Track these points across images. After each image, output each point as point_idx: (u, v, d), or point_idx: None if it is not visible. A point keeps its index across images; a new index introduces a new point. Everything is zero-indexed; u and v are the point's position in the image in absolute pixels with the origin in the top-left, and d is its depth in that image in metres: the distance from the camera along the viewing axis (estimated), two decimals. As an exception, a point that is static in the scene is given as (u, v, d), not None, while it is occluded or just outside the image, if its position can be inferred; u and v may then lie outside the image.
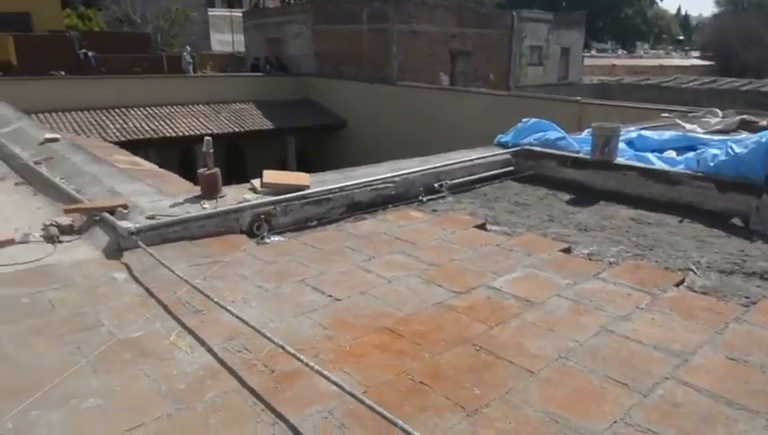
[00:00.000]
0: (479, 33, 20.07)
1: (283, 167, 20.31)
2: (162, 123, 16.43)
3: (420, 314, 2.92)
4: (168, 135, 15.86)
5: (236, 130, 17.19)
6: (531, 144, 6.26)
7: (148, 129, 15.89)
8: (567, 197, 5.34)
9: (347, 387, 2.06)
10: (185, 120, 16.90)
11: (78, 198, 4.23)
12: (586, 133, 6.50)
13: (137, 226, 3.58)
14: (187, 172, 8.11)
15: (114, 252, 3.53)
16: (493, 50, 20.71)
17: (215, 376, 2.34)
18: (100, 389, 2.21)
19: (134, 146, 13.67)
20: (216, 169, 4.22)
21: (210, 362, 2.44)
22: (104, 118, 15.92)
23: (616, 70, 39.64)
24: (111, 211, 3.78)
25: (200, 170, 4.22)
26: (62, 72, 17.95)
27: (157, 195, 4.26)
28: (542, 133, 6.32)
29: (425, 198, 5.19)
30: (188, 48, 22.71)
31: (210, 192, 4.16)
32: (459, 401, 2.18)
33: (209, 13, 37.84)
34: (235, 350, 2.54)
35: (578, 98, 13.15)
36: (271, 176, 4.59)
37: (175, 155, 17.27)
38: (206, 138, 4.15)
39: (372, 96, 18.09)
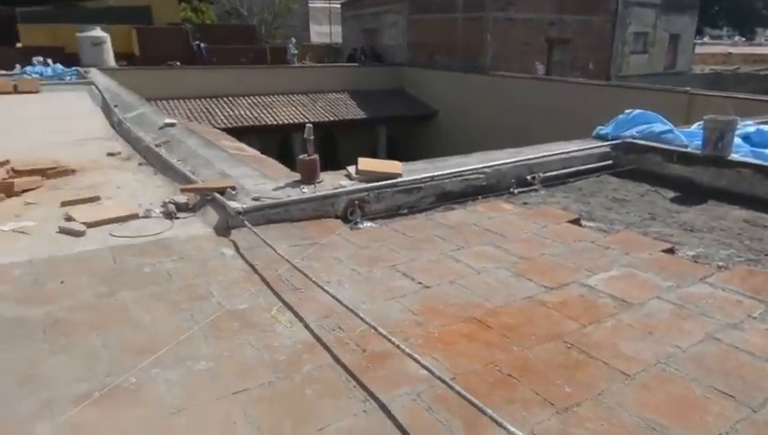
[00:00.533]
0: (579, 19, 19.07)
1: (373, 155, 20.63)
2: (264, 111, 17.20)
3: (509, 306, 2.88)
4: (268, 123, 16.58)
5: (331, 119, 17.64)
6: (633, 137, 5.91)
7: (251, 116, 16.71)
8: (671, 194, 4.99)
9: (437, 372, 2.08)
10: (284, 109, 17.58)
11: (193, 179, 4.55)
12: (696, 126, 6.02)
13: (244, 206, 3.80)
14: (286, 158, 8.46)
15: (223, 229, 3.77)
16: (593, 37, 19.62)
17: (311, 350, 2.45)
18: (210, 353, 2.39)
19: (238, 132, 14.45)
20: (316, 156, 4.38)
21: (307, 338, 2.55)
22: (213, 105, 16.93)
23: (731, 58, 36.25)
24: (222, 192, 4.03)
25: (301, 156, 4.39)
26: (178, 63, 19.27)
27: (261, 178, 4.49)
28: (646, 126, 5.94)
29: (516, 191, 5.07)
30: (293, 40, 23.52)
31: (309, 177, 4.33)
32: (549, 397, 2.13)
33: (309, 5, 38.93)
34: (330, 328, 2.64)
35: (687, 89, 12.17)
36: (365, 163, 4.68)
37: (274, 142, 18.04)
38: (308, 125, 4.31)
39: (464, 86, 17.81)
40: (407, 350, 2.20)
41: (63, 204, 4.18)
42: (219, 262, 3.37)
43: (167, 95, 16.29)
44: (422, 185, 4.64)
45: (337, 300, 2.69)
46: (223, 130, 14.68)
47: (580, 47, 19.42)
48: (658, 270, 3.29)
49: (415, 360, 2.15)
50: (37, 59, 16.14)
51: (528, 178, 5.24)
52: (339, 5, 31.47)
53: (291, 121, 16.92)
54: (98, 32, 17.50)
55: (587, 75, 19.40)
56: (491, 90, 16.82)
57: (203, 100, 17.07)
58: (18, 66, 15.58)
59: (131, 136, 6.83)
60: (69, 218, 3.84)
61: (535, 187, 5.18)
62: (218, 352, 2.41)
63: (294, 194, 4.16)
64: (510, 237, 3.86)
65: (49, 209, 4.14)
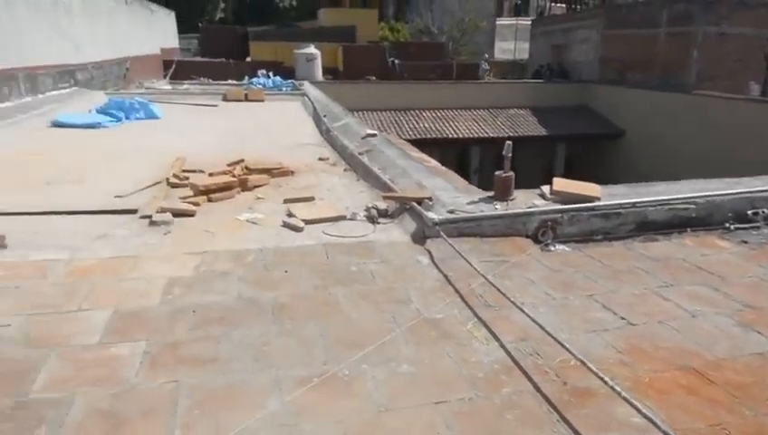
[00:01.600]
0: (811, 34, 15.99)
1: (549, 173, 19.71)
2: (446, 125, 17.49)
3: (735, 361, 2.45)
4: (449, 136, 16.80)
5: (510, 134, 17.23)
6: None
7: (434, 129, 17.12)
8: None
9: (660, 424, 1.84)
10: (465, 123, 17.67)
11: (392, 187, 4.75)
12: None
13: (440, 218, 3.84)
14: (463, 171, 8.43)
15: (419, 238, 3.86)
16: (831, 54, 16.27)
17: (509, 373, 2.35)
18: (411, 358, 2.43)
19: (421, 144, 14.90)
20: (512, 174, 4.26)
21: (504, 358, 2.46)
22: (401, 117, 17.70)
23: None
24: (419, 202, 4.13)
25: (497, 173, 4.31)
26: (373, 77, 20.55)
27: (455, 192, 4.51)
28: None
29: (732, 226, 4.36)
30: (486, 56, 23.64)
31: (503, 194, 4.22)
32: (797, 481, 1.75)
33: (497, 22, 38.69)
34: (527, 352, 2.51)
35: None
36: (561, 184, 4.43)
37: (453, 154, 18.25)
38: (507, 142, 4.21)
39: (659, 105, 16.08)
40: (622, 393, 1.98)
41: (286, 201, 4.65)
42: (416, 269, 3.44)
43: (362, 107, 17.43)
44: (622, 211, 4.24)
45: (539, 325, 2.55)
46: (408, 141, 15.37)
47: (812, 65, 16.26)
48: None
49: (632, 405, 1.93)
50: (261, 71, 18.50)
51: (749, 213, 4.48)
52: (527, 22, 30.76)
53: (470, 135, 16.94)
54: (311, 49, 19.46)
55: (816, 97, 16.18)
56: (691, 110, 14.94)
57: (392, 112, 17.93)
58: (246, 78, 18.04)
59: (337, 143, 7.40)
60: (290, 214, 4.26)
61: (758, 224, 4.41)
62: (419, 357, 2.44)
63: (488, 210, 4.09)
64: (730, 280, 3.32)
65: (274, 204, 4.65)
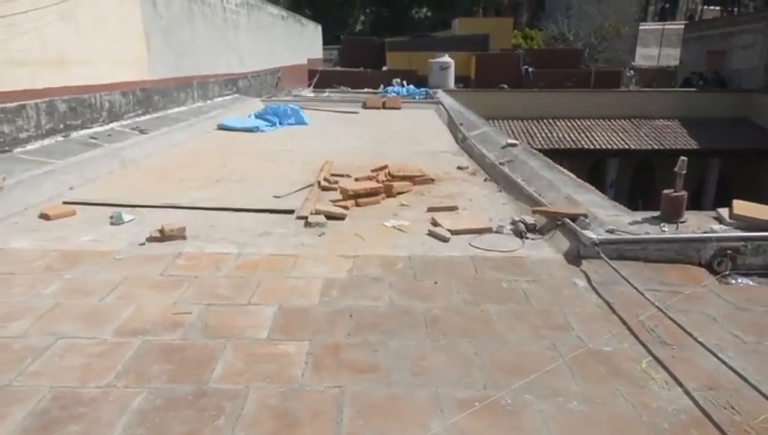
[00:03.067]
0: None
1: (698, 190, 17.53)
2: (581, 135, 16.38)
3: None
4: (585, 147, 15.69)
5: (655, 147, 15.65)
6: None
7: (568, 139, 16.11)
8: None
9: None
10: (603, 134, 16.40)
11: (539, 201, 4.44)
12: None
13: (599, 237, 3.48)
14: (597, 185, 7.64)
15: (573, 258, 3.53)
16: None
17: (700, 428, 1.99)
18: (581, 394, 2.17)
19: (552, 154, 14.12)
20: (684, 193, 3.74)
21: (691, 408, 2.10)
22: (533, 126, 16.92)
23: None
24: (573, 218, 3.79)
25: (666, 191, 3.82)
26: (505, 86, 19.92)
27: (613, 209, 4.08)
28: None
29: None
30: (632, 63, 21.88)
31: (673, 215, 3.72)
32: None
33: (640, 27, 35.55)
34: (719, 404, 2.12)
35: None
36: (743, 207, 3.80)
37: (585, 165, 17.05)
38: (682, 158, 3.70)
39: None
40: None
41: (429, 209, 4.56)
42: (572, 292, 3.13)
43: (494, 115, 16.93)
44: (824, 243, 3.52)
45: (737, 374, 2.14)
46: (540, 150, 14.60)
47: None
48: None
49: None
50: (395, 80, 18.84)
51: None
52: (675, 27, 27.85)
53: (608, 147, 15.68)
54: (445, 58, 19.40)
55: None
56: None
57: (525, 121, 17.22)
58: (381, 86, 18.46)
59: (475, 152, 7.19)
60: (435, 223, 4.16)
61: None
62: (589, 395, 2.17)
63: (653, 231, 3.63)
64: None
65: (418, 212, 4.58)
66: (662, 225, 3.69)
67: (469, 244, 3.81)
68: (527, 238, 3.89)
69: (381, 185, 5.11)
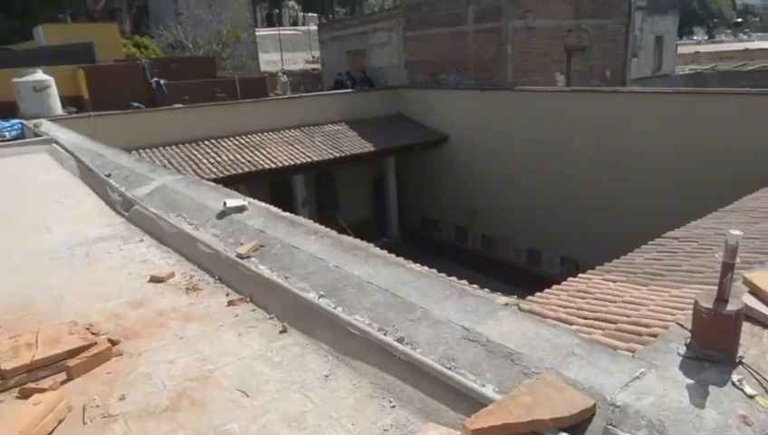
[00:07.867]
0: (595, 24, 17.48)
1: (381, 195, 18.19)
2: (255, 153, 14.56)
3: None
4: (264, 166, 13.93)
5: (336, 155, 15.15)
6: None
7: (242, 160, 14.03)
8: None
9: None
10: (278, 148, 14.99)
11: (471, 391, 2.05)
12: None
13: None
14: (287, 207, 5.77)
15: None
16: (608, 43, 18.09)
17: None
18: None
19: (227, 181, 11.85)
20: (743, 306, 1.99)
21: None
22: (195, 151, 14.15)
23: (700, 57, 36.39)
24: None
25: (705, 308, 1.99)
26: (139, 105, 16.39)
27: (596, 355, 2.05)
28: None
29: None
30: (284, 68, 21.05)
31: (723, 348, 1.92)
32: None
33: (257, 33, 36.39)
34: None
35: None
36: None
37: (265, 187, 15.46)
38: (735, 233, 1.93)
39: (480, 105, 15.85)
40: None
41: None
42: None
43: (136, 144, 13.42)
44: None
45: None
46: (211, 180, 12.06)
47: (597, 54, 17.88)
48: None
49: None
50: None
51: None
52: (289, 32, 29.20)
53: (290, 163, 14.35)
54: (39, 75, 14.44)
55: (605, 83, 17.91)
56: (514, 107, 14.94)
57: (181, 146, 14.28)
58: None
59: (166, 229, 4.22)
60: None
61: None
62: None
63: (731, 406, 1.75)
64: None
65: None
66: (736, 379, 1.85)
67: None
68: None
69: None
